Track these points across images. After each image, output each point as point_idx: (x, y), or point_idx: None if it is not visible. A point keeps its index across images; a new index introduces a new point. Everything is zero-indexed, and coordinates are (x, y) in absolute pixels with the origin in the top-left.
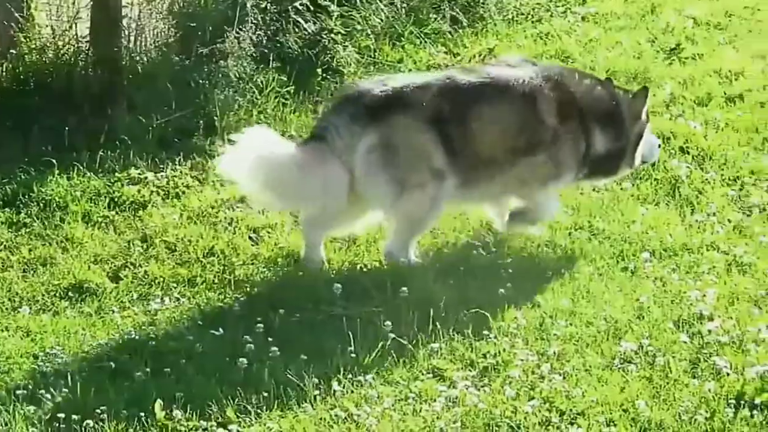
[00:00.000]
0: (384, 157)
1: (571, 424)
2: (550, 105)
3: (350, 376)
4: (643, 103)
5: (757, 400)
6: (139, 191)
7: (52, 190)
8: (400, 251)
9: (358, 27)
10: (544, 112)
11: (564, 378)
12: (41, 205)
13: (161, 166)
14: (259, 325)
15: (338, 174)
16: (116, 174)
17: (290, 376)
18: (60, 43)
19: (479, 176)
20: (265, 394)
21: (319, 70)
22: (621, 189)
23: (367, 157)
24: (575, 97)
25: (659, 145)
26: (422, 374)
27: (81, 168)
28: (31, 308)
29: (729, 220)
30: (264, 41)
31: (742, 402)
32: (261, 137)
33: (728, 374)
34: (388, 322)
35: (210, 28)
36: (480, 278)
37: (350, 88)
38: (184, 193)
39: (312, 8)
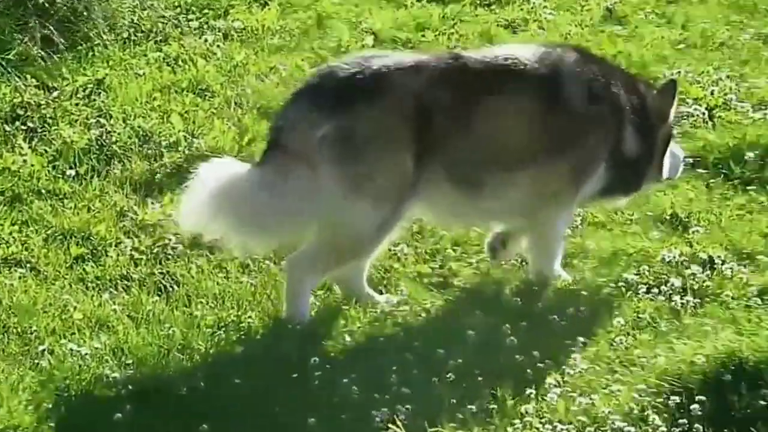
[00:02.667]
0: (342, 149)
1: None
2: (579, 89)
3: None
4: (671, 101)
5: None
6: None
7: None
8: (310, 274)
9: None
10: (573, 95)
11: None
12: None
13: None
14: None
15: (302, 181)
16: None
17: None
18: None
19: (484, 185)
20: None
21: None
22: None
23: (320, 147)
24: (605, 79)
25: (684, 158)
26: None
27: None
28: None
29: (427, 311)
30: None
31: None
32: (215, 171)
33: None
34: None
35: None
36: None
37: (319, 71)
38: None
39: None
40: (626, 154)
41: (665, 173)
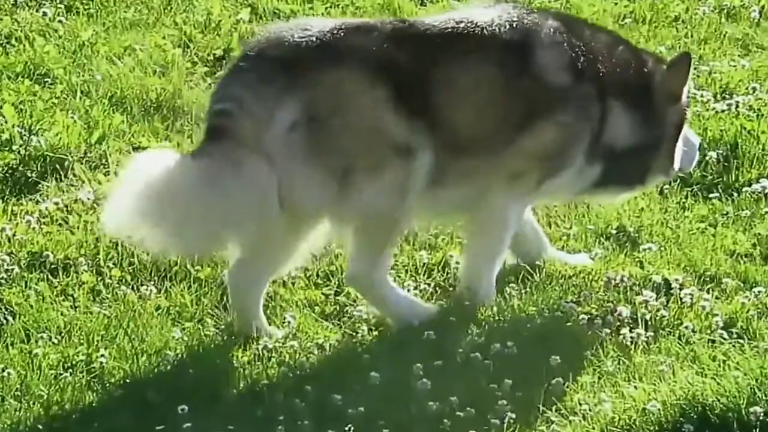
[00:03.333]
0: (313, 137)
1: None
2: (555, 57)
3: None
4: (684, 78)
5: None
6: None
7: None
8: (369, 272)
9: None
10: (546, 66)
11: None
12: None
13: None
14: None
15: (259, 176)
16: None
17: None
18: None
19: (451, 169)
20: None
21: None
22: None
23: (288, 138)
24: (591, 51)
25: (699, 146)
26: None
27: None
28: None
29: (321, 347)
30: None
31: None
32: (146, 164)
33: None
34: None
35: None
36: None
37: (256, 39)
38: None
39: None
40: (620, 141)
41: (677, 164)
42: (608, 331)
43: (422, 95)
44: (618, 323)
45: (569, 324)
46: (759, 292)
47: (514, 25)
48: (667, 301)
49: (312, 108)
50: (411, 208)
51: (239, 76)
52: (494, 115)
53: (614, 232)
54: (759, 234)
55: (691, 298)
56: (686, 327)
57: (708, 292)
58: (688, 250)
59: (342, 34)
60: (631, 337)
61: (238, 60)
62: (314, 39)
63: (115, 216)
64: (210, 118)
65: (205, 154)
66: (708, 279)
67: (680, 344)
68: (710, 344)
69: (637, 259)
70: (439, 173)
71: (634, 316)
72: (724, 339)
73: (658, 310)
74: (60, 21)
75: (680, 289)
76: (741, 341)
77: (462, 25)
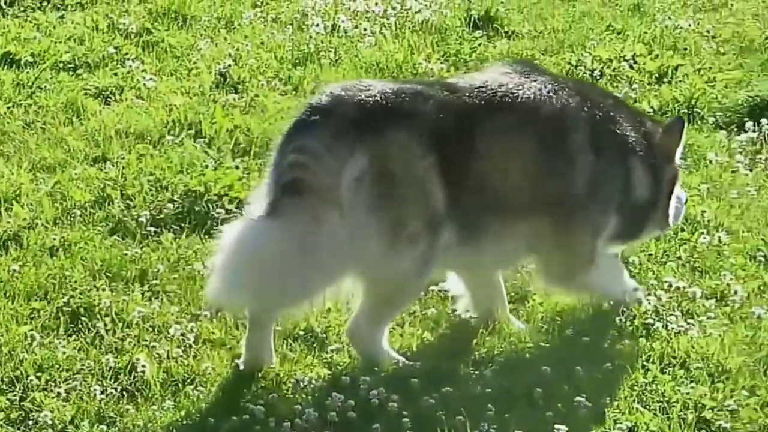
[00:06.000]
0: (376, 189)
1: None
2: (586, 132)
3: None
4: (677, 140)
5: None
6: None
7: None
8: (373, 331)
9: None
10: (580, 142)
11: None
12: None
13: None
14: None
15: (337, 229)
16: None
17: None
18: None
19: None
20: None
21: None
22: None
23: (354, 187)
24: (611, 115)
25: (685, 202)
26: None
27: None
28: None
29: None
30: None
31: None
32: (236, 234)
33: None
34: None
35: None
36: None
37: (320, 96)
38: None
39: None
40: (634, 198)
41: (672, 220)
42: None
43: (465, 163)
44: (306, 425)
45: (258, 427)
46: (447, 391)
47: (553, 100)
48: (356, 403)
49: (378, 163)
50: (428, 278)
51: (312, 131)
52: (539, 184)
53: (302, 333)
54: (445, 333)
55: (379, 399)
56: (375, 428)
57: (396, 393)
58: None
59: (404, 98)
60: None
61: (304, 115)
62: (379, 99)
63: (218, 288)
64: (284, 170)
65: (286, 211)
66: (396, 380)
67: None
68: None
69: (325, 360)
70: (481, 233)
71: (323, 419)
72: None
73: (346, 412)
74: None
75: (369, 390)
76: None
77: (509, 95)
